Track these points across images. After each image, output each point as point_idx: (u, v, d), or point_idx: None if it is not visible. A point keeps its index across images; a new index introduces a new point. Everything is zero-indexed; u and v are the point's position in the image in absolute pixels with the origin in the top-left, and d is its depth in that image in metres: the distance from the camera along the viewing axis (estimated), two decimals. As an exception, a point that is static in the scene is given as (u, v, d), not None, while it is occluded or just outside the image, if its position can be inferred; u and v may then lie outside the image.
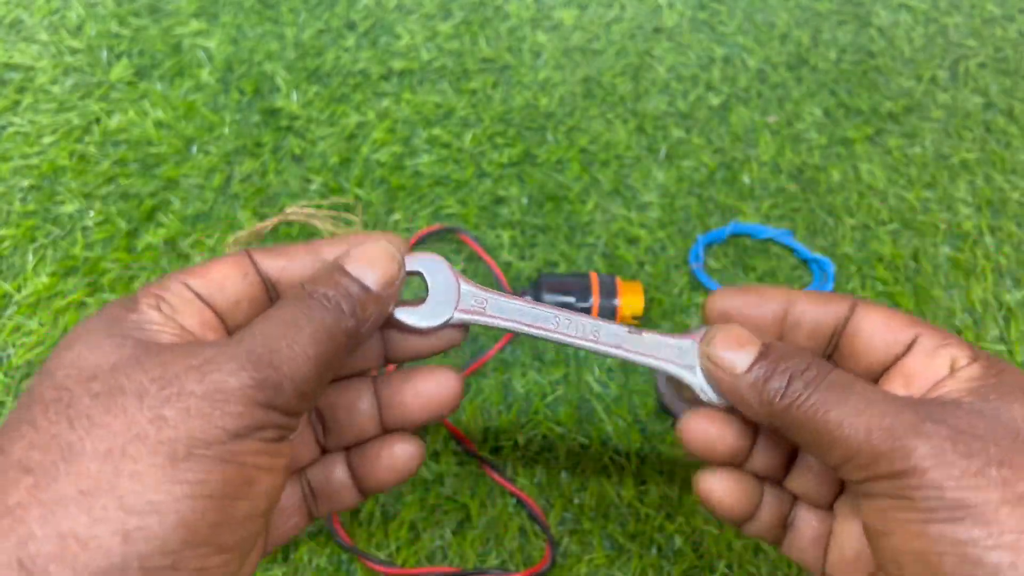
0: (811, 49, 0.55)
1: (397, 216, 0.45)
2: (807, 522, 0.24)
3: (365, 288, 0.21)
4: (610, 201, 0.46)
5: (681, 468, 0.36)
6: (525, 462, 0.36)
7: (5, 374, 0.39)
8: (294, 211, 0.45)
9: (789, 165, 0.49)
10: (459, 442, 0.35)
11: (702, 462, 0.24)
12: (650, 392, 0.38)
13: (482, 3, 0.57)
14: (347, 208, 0.45)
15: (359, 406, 0.24)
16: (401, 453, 0.23)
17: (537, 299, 0.37)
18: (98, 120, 0.49)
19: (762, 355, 0.21)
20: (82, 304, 0.41)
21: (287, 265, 0.22)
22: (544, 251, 0.43)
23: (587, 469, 0.36)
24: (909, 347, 0.22)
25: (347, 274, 0.21)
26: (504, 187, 0.46)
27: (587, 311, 0.37)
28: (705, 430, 0.23)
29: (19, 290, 0.41)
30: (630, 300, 0.38)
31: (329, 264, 0.21)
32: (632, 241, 0.44)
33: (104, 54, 0.53)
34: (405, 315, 0.23)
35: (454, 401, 0.23)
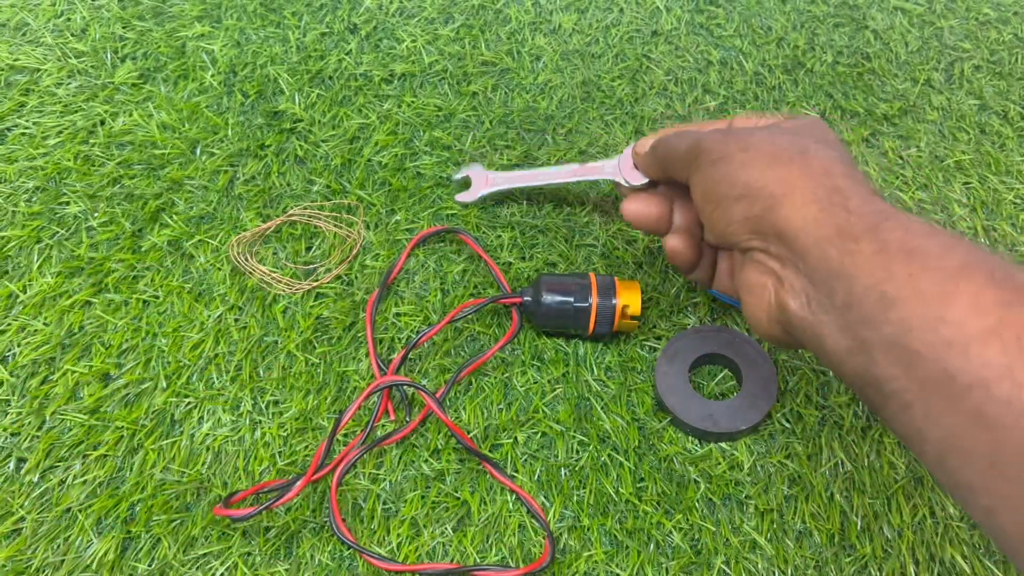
0: (807, 52, 0.55)
1: (399, 217, 0.45)
2: (722, 260, 0.34)
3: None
4: (608, 202, 0.47)
5: (679, 466, 0.36)
6: (525, 459, 0.36)
7: (11, 373, 0.39)
8: (297, 212, 0.45)
9: (786, 167, 0.49)
10: (460, 440, 0.35)
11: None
12: (648, 391, 0.39)
13: (482, 7, 0.57)
14: (349, 209, 0.46)
15: None
16: None
17: (537, 300, 0.38)
18: (103, 122, 0.50)
19: (659, 138, 0.34)
20: (87, 304, 0.41)
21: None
22: (543, 252, 0.44)
23: (586, 466, 0.36)
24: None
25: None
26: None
27: (587, 311, 0.38)
28: (637, 206, 0.35)
29: (24, 290, 0.42)
30: (629, 300, 0.38)
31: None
32: (630, 242, 0.45)
33: (109, 57, 0.53)
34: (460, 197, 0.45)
35: None
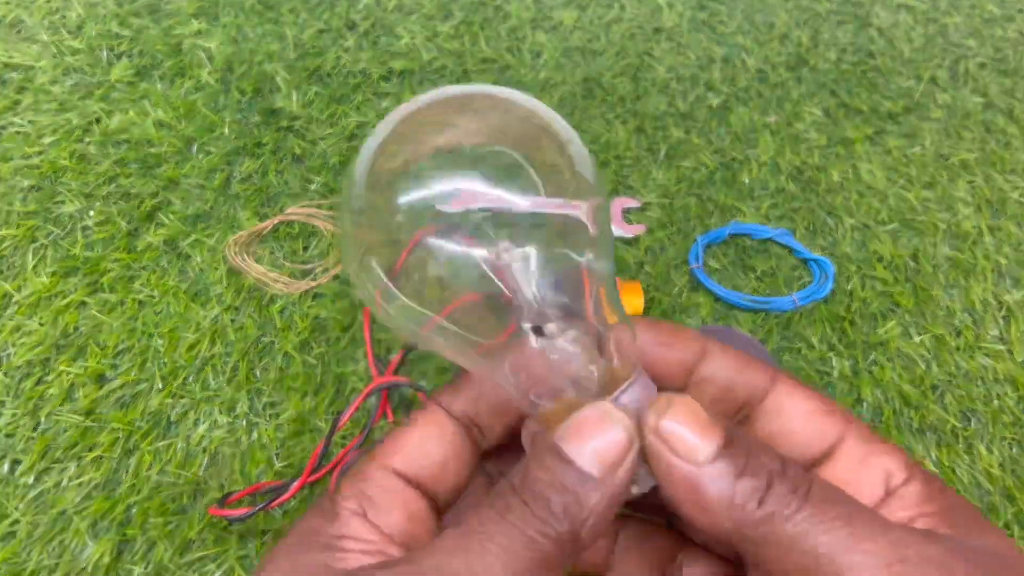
0: (811, 49, 0.55)
1: (398, 217, 0.45)
2: None
3: (584, 476, 0.16)
4: (610, 201, 0.46)
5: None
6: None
7: (5, 374, 0.39)
8: (294, 211, 0.45)
9: (789, 165, 0.49)
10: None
11: None
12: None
13: (482, 3, 0.57)
14: (347, 208, 0.45)
15: None
16: None
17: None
18: (98, 120, 0.49)
19: (728, 443, 0.16)
20: (82, 304, 0.41)
21: (478, 396, 0.19)
22: (544, 251, 0.43)
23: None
24: (833, 447, 0.18)
25: (561, 456, 0.16)
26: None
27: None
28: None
29: (19, 290, 0.41)
30: (630, 300, 0.38)
31: (539, 446, 0.17)
32: (631, 242, 0.44)
33: (104, 54, 0.53)
34: None
35: None
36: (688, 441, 0.16)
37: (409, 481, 0.18)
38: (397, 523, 0.18)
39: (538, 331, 0.18)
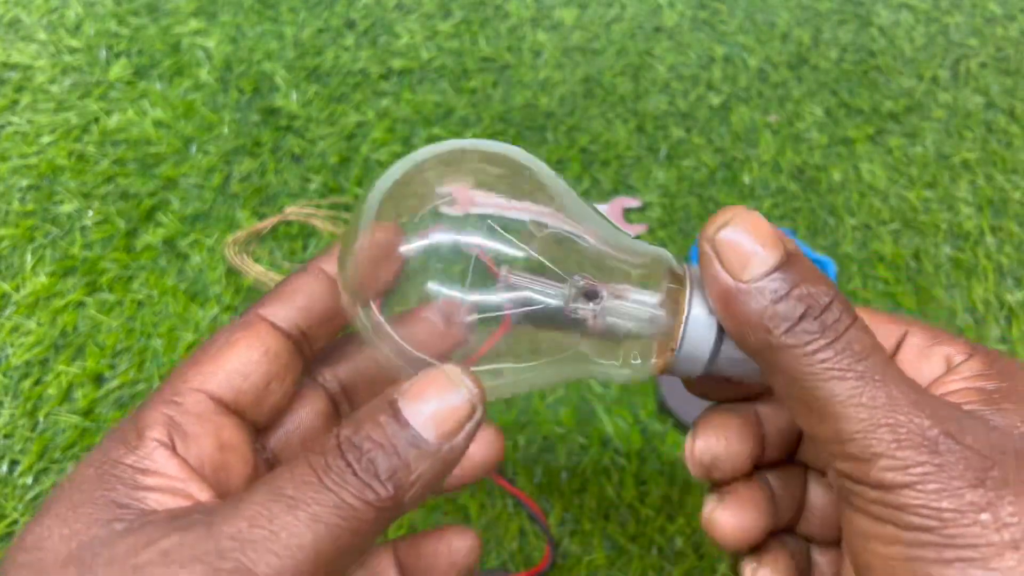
0: (812, 48, 0.55)
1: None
2: (819, 568, 0.21)
3: (417, 442, 0.15)
4: (611, 201, 0.46)
5: (682, 469, 0.36)
6: (525, 462, 0.36)
7: (4, 374, 0.38)
8: (293, 211, 0.45)
9: (790, 165, 0.49)
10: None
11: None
12: (651, 393, 0.38)
13: (482, 2, 0.57)
14: (347, 208, 0.45)
15: None
16: (460, 546, 0.19)
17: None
18: (97, 119, 0.49)
19: (783, 264, 0.16)
20: (80, 304, 0.41)
21: (310, 305, 0.18)
22: (544, 251, 0.43)
23: (587, 470, 0.36)
24: (898, 345, 0.19)
25: (397, 416, 0.15)
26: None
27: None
28: (732, 524, 0.19)
29: (18, 290, 0.41)
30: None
31: (379, 398, 0.16)
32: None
33: (103, 53, 0.53)
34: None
35: (476, 556, 0.20)
36: (745, 250, 0.16)
37: (227, 407, 0.17)
38: (208, 454, 0.16)
39: (591, 298, 0.18)
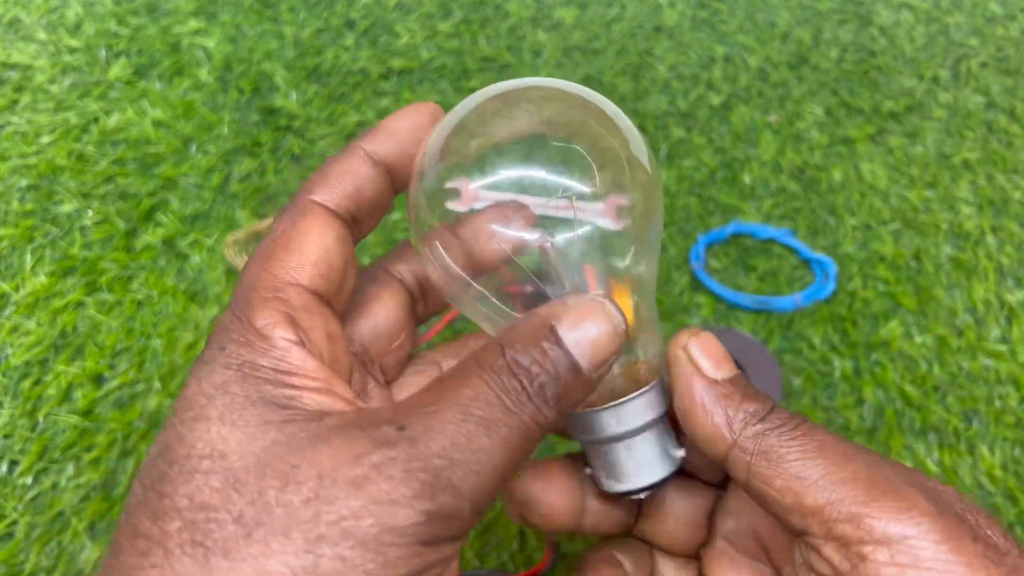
0: (812, 48, 0.55)
1: (396, 216, 0.45)
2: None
3: (577, 369, 0.16)
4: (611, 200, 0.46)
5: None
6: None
7: (3, 374, 0.38)
8: (293, 211, 0.45)
9: (790, 164, 0.48)
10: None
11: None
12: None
13: (482, 2, 0.57)
14: (346, 208, 0.45)
15: None
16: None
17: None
18: (96, 119, 0.49)
19: (735, 379, 0.18)
20: (80, 304, 0.41)
21: (355, 191, 0.18)
22: (544, 251, 0.43)
23: (587, 470, 0.36)
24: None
25: (559, 343, 0.16)
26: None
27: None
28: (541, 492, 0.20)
29: (17, 290, 0.41)
30: (629, 300, 0.37)
31: (537, 321, 0.16)
32: (632, 241, 0.44)
33: (102, 53, 0.52)
34: None
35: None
36: (706, 363, 0.18)
37: (320, 297, 0.17)
38: (324, 347, 0.16)
39: None
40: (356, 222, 0.19)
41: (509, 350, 0.16)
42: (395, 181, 0.20)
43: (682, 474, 0.21)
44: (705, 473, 0.22)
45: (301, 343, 0.16)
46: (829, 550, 0.16)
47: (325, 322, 0.17)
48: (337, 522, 0.13)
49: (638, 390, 0.19)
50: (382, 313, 0.20)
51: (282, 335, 0.16)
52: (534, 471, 0.20)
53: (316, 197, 0.19)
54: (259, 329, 0.16)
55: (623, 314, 0.17)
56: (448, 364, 0.22)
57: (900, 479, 0.16)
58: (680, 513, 0.21)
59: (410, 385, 0.21)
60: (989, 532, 0.15)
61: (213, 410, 0.15)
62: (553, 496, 0.20)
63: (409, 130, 0.19)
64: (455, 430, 0.14)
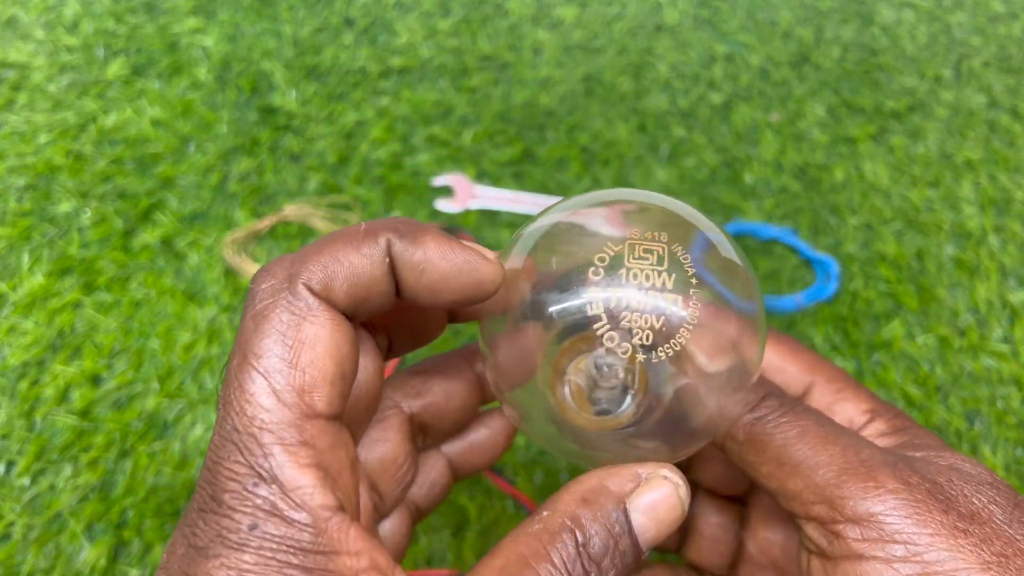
0: (814, 47, 0.54)
1: (395, 215, 0.45)
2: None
3: (639, 555, 0.16)
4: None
5: (681, 470, 0.35)
6: (525, 463, 0.36)
7: (1, 375, 0.38)
8: (292, 210, 0.44)
9: (791, 164, 0.48)
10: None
11: None
12: (651, 393, 0.38)
13: (482, 0, 0.56)
14: (345, 207, 0.45)
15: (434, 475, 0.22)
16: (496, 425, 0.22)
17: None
18: (94, 118, 0.49)
19: (728, 372, 0.18)
20: (78, 304, 0.41)
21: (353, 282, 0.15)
22: (544, 251, 0.43)
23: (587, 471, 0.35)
24: (804, 394, 0.21)
25: (631, 533, 0.16)
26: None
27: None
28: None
29: (14, 290, 0.41)
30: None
31: (608, 495, 0.16)
32: (633, 241, 0.44)
33: (100, 52, 0.52)
34: None
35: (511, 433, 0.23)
36: (702, 357, 0.17)
37: (343, 415, 0.16)
38: (352, 497, 0.15)
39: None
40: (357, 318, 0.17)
41: (579, 531, 0.15)
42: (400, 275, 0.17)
43: (709, 493, 0.23)
44: (728, 488, 0.23)
45: (341, 507, 0.13)
46: (810, 529, 0.17)
47: (351, 459, 0.15)
48: None
49: None
50: (390, 439, 0.19)
51: (322, 502, 0.13)
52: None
53: (314, 284, 0.15)
54: (292, 495, 0.13)
55: (687, 485, 0.17)
56: (408, 405, 0.20)
57: (877, 460, 0.17)
58: (708, 533, 0.23)
59: (375, 440, 0.20)
60: (974, 501, 0.16)
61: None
62: None
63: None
64: None
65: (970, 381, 0.39)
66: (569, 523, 0.15)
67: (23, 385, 0.38)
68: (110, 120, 0.48)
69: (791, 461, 0.17)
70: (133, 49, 0.53)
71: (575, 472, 0.36)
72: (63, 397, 0.38)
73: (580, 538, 0.15)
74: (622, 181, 0.47)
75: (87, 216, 0.44)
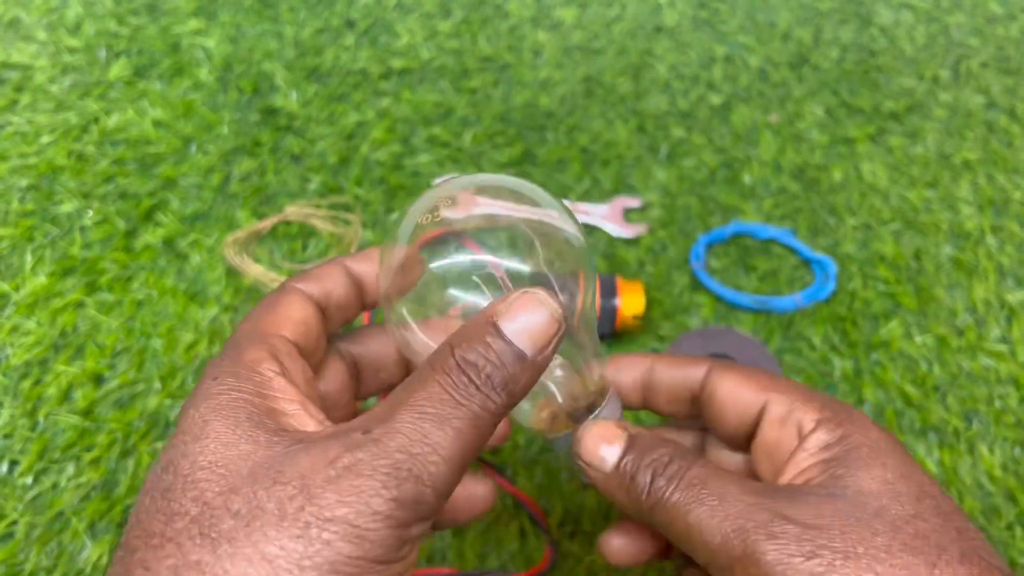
0: (813, 48, 0.55)
1: (396, 215, 0.45)
2: None
3: (521, 356, 0.18)
4: (612, 201, 0.46)
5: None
6: (526, 463, 0.36)
7: (3, 375, 0.38)
8: (293, 211, 0.45)
9: (791, 164, 0.48)
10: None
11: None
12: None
13: (482, 2, 0.57)
14: (346, 208, 0.45)
15: None
16: (479, 492, 0.23)
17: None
18: (96, 119, 0.49)
19: (628, 448, 0.21)
20: (80, 304, 0.41)
21: (329, 291, 0.22)
22: (544, 251, 0.43)
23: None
24: (761, 413, 0.22)
25: (502, 336, 0.18)
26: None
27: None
28: (622, 547, 0.24)
29: (17, 290, 0.41)
30: (631, 300, 0.37)
31: (480, 319, 0.18)
32: (632, 241, 0.44)
33: (102, 53, 0.52)
34: None
35: (492, 502, 0.24)
36: (596, 458, 0.21)
37: (300, 351, 0.20)
38: (303, 384, 0.19)
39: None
40: (324, 316, 0.22)
41: (457, 349, 0.18)
42: (364, 295, 0.24)
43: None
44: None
45: (283, 374, 0.19)
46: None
47: (303, 368, 0.20)
48: (319, 512, 0.16)
49: (602, 403, 0.22)
50: (334, 378, 0.24)
51: (267, 367, 0.19)
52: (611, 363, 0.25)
53: (297, 285, 0.22)
54: (247, 363, 0.19)
55: (558, 300, 0.19)
56: (347, 348, 0.25)
57: (768, 508, 0.18)
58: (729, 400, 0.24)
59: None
60: (852, 536, 0.17)
61: (211, 431, 0.17)
62: (625, 374, 0.24)
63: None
64: (411, 428, 0.17)
65: (968, 381, 0.39)
66: (448, 345, 0.18)
67: (26, 385, 0.38)
68: (112, 121, 0.49)
69: (694, 520, 0.19)
70: (135, 50, 0.53)
71: (575, 472, 0.36)
72: (65, 397, 0.38)
73: (457, 353, 0.18)
74: (622, 181, 0.47)
75: (89, 216, 0.44)
